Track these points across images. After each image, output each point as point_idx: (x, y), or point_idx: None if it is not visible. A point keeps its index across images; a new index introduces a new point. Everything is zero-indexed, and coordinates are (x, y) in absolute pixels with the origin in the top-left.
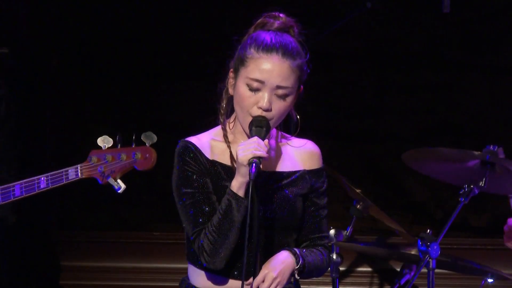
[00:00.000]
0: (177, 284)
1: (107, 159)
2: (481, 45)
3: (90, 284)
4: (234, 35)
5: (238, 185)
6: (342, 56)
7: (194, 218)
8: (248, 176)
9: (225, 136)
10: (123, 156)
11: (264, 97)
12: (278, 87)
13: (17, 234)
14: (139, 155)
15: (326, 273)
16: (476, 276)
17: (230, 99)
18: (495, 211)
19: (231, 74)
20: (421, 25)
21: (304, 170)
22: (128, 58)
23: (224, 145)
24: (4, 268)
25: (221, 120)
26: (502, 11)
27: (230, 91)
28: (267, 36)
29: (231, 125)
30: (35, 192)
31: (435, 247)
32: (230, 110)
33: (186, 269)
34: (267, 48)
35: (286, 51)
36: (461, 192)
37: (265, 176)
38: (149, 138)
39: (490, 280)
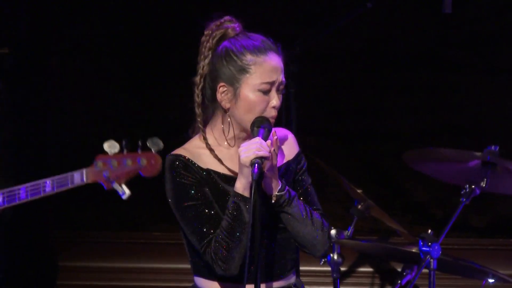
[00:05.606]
0: (177, 284)
1: (113, 165)
2: (481, 45)
3: (90, 284)
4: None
5: (242, 186)
6: (342, 56)
7: (200, 230)
8: (251, 176)
9: (208, 144)
10: (129, 162)
11: (274, 96)
12: (281, 83)
13: (15, 234)
14: (144, 161)
15: (327, 274)
16: (477, 277)
17: (205, 111)
18: (496, 212)
19: (222, 89)
20: (421, 25)
21: (288, 161)
22: (128, 58)
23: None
24: (1, 268)
25: (203, 135)
26: (502, 11)
27: (225, 105)
28: (248, 41)
29: (216, 133)
30: (40, 196)
31: (436, 247)
32: (205, 119)
33: (186, 269)
34: (262, 49)
35: (273, 47)
36: (462, 192)
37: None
38: (155, 144)
39: (491, 281)
